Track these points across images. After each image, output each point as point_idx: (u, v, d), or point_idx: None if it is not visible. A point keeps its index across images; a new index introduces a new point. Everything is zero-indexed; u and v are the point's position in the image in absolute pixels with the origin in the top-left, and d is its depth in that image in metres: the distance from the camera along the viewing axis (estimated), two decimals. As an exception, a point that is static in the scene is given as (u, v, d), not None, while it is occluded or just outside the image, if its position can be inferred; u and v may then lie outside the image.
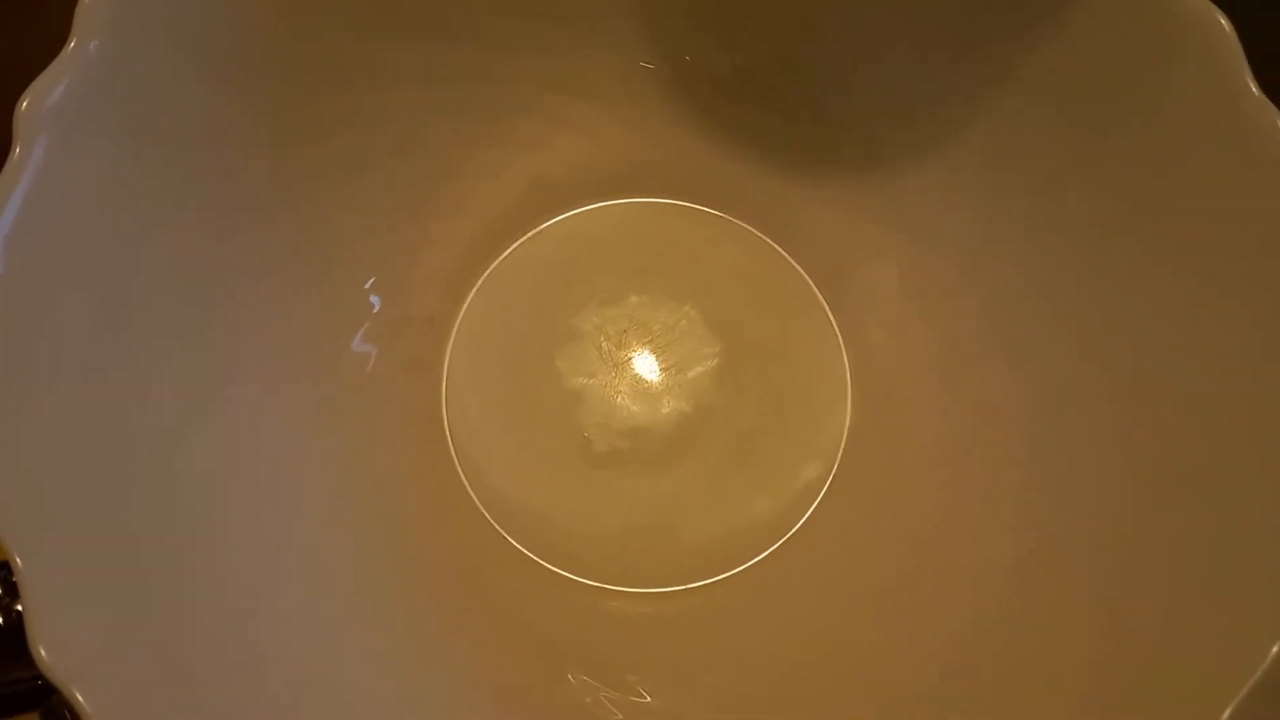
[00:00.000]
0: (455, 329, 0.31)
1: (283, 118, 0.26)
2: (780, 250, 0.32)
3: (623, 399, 0.31)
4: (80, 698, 0.19)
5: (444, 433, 0.30)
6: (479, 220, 0.31)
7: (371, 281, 0.30)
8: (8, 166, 0.20)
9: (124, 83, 0.22)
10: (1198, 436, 0.24)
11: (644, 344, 0.31)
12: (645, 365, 0.31)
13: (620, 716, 0.27)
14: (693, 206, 0.33)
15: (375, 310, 0.30)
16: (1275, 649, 0.18)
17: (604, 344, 0.31)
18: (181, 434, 0.25)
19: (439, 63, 0.28)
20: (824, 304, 0.32)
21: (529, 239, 0.32)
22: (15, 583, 0.20)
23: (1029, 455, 0.27)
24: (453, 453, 0.30)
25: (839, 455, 0.30)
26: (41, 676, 0.21)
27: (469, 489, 0.30)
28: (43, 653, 0.19)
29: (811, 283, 0.32)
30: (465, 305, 0.31)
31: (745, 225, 0.32)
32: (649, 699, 0.27)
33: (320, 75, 0.26)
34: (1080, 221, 0.26)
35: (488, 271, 0.32)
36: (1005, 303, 0.28)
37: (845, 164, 0.31)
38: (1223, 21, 0.22)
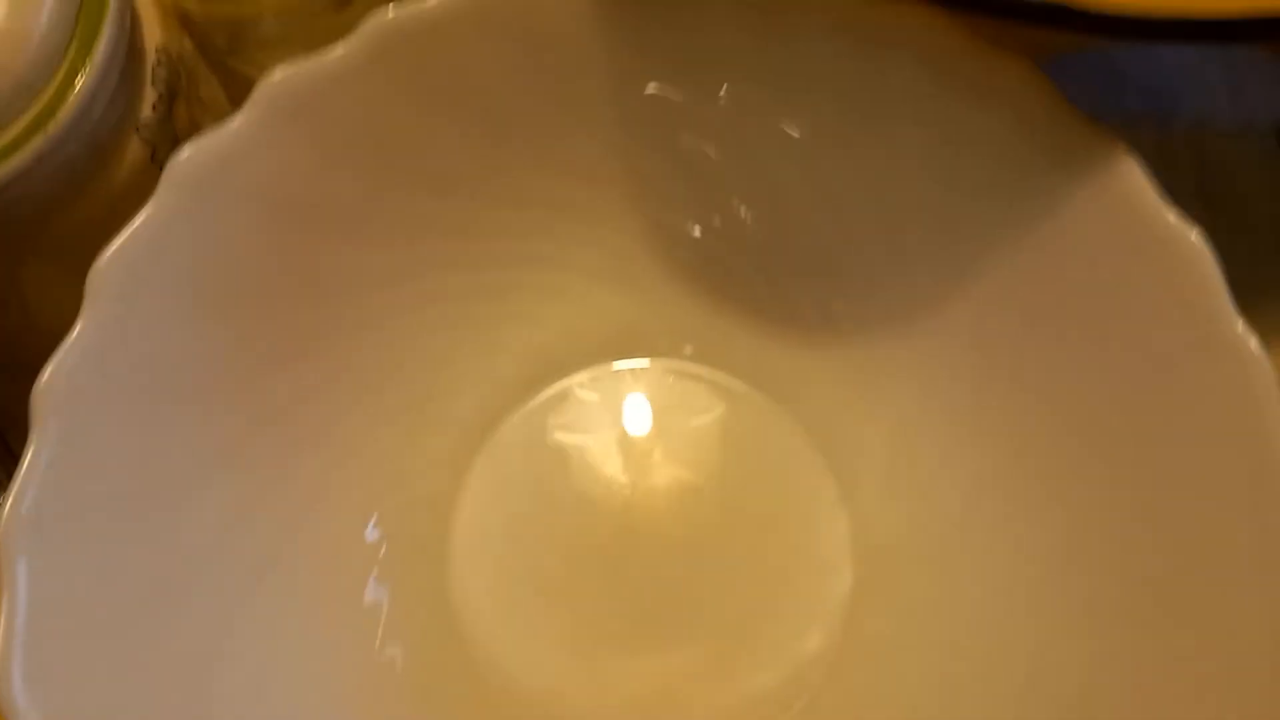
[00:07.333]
0: (457, 508, 0.31)
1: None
2: (777, 409, 0.32)
3: (627, 568, 0.31)
4: None
5: (450, 616, 0.31)
6: (473, 400, 0.32)
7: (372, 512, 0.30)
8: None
9: (137, 348, 0.23)
10: (1197, 616, 0.24)
11: (646, 509, 0.32)
12: (648, 533, 0.31)
13: None
14: (686, 366, 0.33)
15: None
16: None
17: (606, 511, 0.32)
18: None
19: (420, 261, 0.29)
20: (822, 465, 0.32)
21: (525, 411, 0.32)
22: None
23: (1030, 619, 0.28)
24: (459, 635, 0.30)
25: (840, 623, 0.30)
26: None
27: (475, 671, 0.30)
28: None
29: (809, 444, 0.32)
30: (466, 484, 0.32)
31: (741, 383, 0.33)
32: None
33: (319, 292, 0.27)
34: (1065, 408, 0.27)
35: (485, 447, 0.32)
36: (997, 473, 0.29)
37: (837, 328, 0.31)
38: (1205, 247, 0.22)
